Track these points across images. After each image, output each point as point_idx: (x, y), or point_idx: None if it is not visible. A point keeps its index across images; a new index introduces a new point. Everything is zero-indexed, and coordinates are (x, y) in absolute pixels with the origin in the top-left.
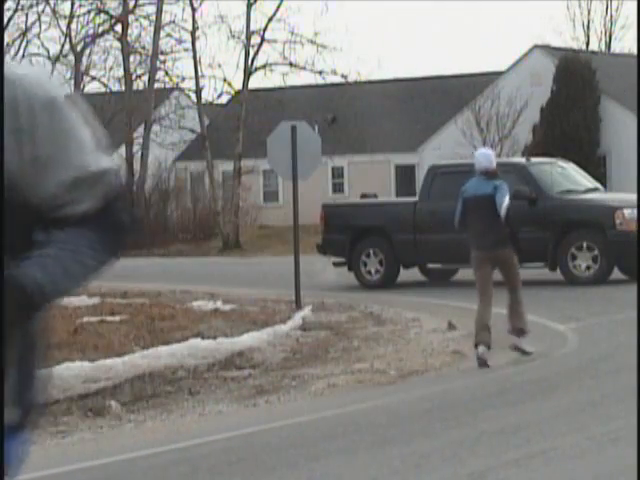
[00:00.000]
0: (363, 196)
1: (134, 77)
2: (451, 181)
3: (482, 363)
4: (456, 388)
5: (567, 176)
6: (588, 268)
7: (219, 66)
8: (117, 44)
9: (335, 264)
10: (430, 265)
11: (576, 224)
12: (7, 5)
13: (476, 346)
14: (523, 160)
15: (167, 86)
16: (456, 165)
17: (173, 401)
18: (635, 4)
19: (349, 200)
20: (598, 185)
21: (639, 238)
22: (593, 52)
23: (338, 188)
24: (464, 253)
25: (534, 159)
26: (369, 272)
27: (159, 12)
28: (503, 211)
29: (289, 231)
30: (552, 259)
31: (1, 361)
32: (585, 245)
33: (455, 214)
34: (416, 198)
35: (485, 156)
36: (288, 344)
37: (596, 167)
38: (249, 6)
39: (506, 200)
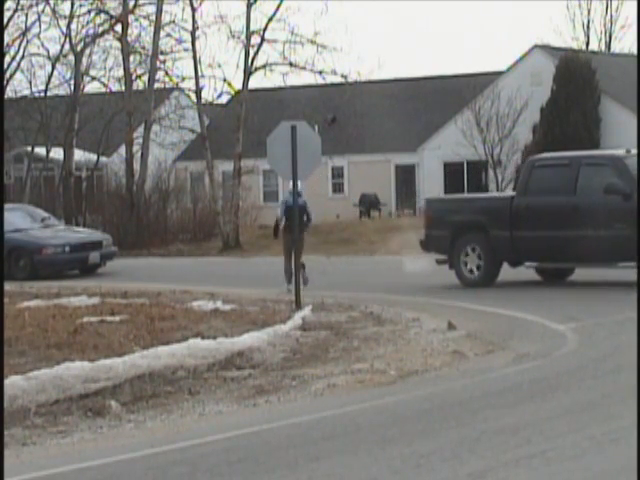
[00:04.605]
0: (363, 196)
1: (134, 77)
2: (549, 174)
3: (290, 290)
4: (456, 388)
5: None
6: None
7: (219, 66)
8: (117, 44)
9: (438, 262)
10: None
11: None
12: (7, 5)
13: (289, 283)
14: (622, 152)
15: (167, 86)
16: (555, 158)
17: (173, 401)
18: (635, 4)
19: (453, 195)
20: None
21: (639, 238)
22: (593, 52)
23: (338, 188)
24: (563, 250)
25: (634, 150)
26: (470, 270)
27: (159, 12)
28: (313, 216)
29: None
30: None
31: (1, 364)
32: None
33: (281, 214)
34: (514, 193)
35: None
36: (288, 344)
37: None
38: (249, 6)
39: (309, 209)
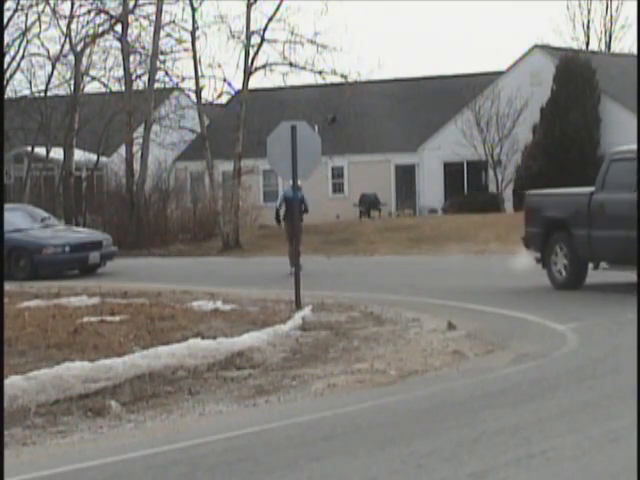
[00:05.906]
0: (363, 196)
1: (134, 77)
2: (625, 169)
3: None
4: (456, 388)
5: None
6: None
7: (219, 66)
8: (117, 44)
9: (537, 260)
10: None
11: None
12: (7, 5)
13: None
14: None
15: (167, 86)
16: (632, 151)
17: (173, 401)
18: (635, 4)
19: (550, 189)
20: None
21: (639, 239)
22: (593, 52)
23: (338, 188)
24: (633, 252)
25: None
26: (558, 271)
27: (159, 12)
28: (309, 207)
29: None
30: None
31: (1, 364)
32: None
33: (279, 205)
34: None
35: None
36: (288, 344)
37: (596, 167)
38: (249, 6)
39: (307, 201)
